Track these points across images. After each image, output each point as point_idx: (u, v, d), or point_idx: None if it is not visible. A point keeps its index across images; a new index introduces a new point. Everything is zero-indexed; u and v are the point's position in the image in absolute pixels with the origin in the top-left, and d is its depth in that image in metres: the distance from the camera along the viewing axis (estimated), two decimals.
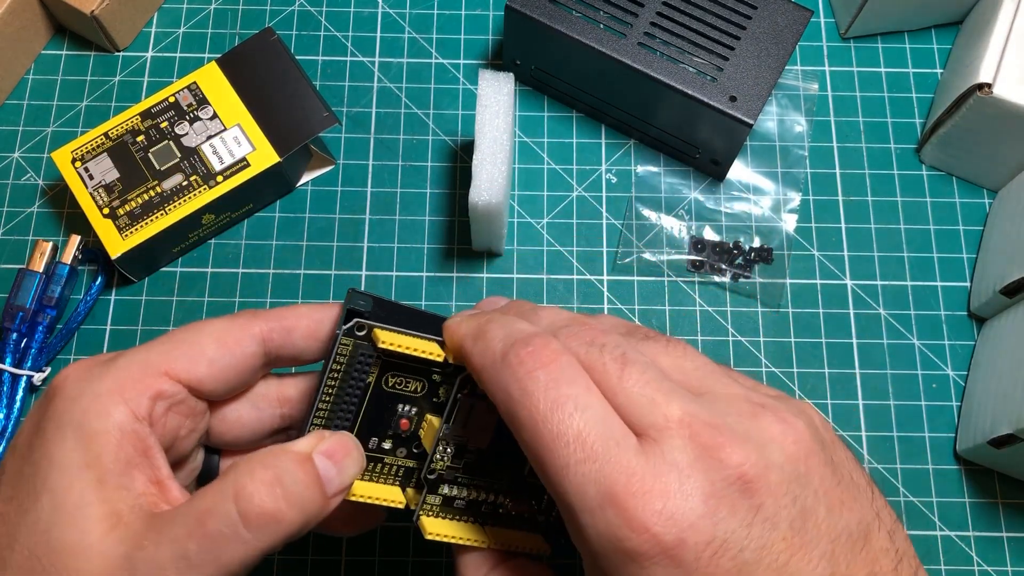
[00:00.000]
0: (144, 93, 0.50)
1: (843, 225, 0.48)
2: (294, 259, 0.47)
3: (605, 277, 0.47)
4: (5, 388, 0.43)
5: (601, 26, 0.45)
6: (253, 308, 0.30)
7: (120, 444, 0.26)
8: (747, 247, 0.47)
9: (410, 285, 0.46)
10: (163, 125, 0.45)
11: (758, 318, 0.46)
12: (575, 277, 0.46)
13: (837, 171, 0.49)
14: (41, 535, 0.25)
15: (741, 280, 0.46)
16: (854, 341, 0.45)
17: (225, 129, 0.45)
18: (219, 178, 0.45)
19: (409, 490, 0.31)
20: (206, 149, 0.45)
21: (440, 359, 0.29)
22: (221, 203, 0.45)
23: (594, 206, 0.48)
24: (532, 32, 0.45)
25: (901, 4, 0.49)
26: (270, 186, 0.46)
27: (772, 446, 0.25)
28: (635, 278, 0.47)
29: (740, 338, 0.46)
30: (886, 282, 0.47)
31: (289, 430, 0.32)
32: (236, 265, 0.47)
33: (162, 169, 0.45)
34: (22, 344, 0.44)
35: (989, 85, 0.43)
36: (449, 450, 0.30)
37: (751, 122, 0.43)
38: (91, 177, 0.44)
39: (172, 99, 0.46)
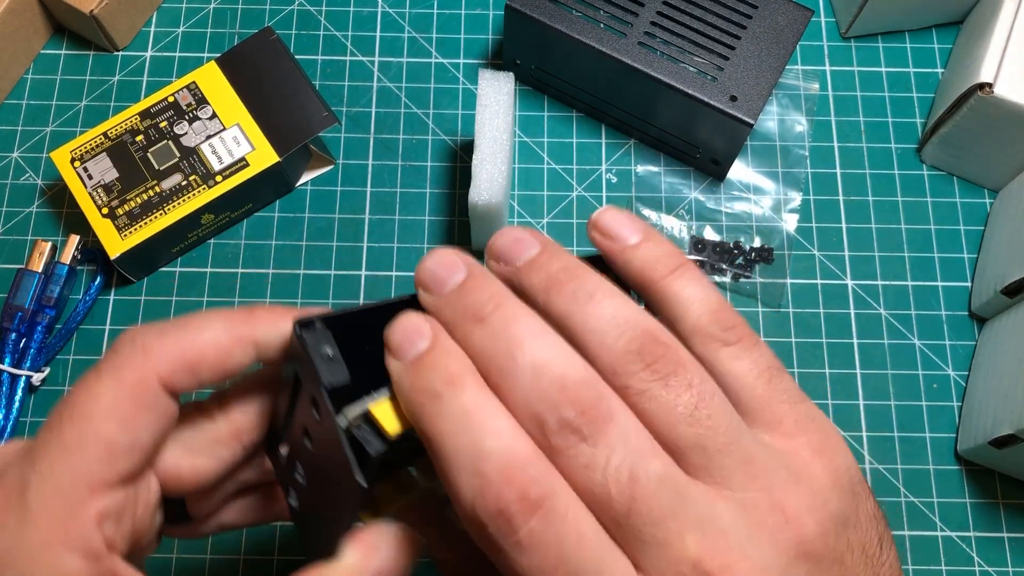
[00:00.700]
0: (143, 93, 0.50)
1: (844, 225, 0.48)
2: (294, 259, 0.47)
3: None
4: (4, 388, 0.43)
5: (601, 25, 0.45)
6: (140, 332, 0.24)
7: None
8: (747, 247, 0.47)
9: (410, 285, 0.46)
10: (162, 125, 0.45)
11: (759, 318, 0.46)
12: None
13: (838, 171, 0.49)
14: None
15: (742, 280, 0.46)
16: (855, 341, 0.45)
17: (224, 129, 0.45)
18: (218, 178, 0.44)
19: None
20: (205, 149, 0.45)
21: None
22: (220, 203, 0.45)
23: (594, 206, 0.48)
24: (532, 31, 0.45)
25: (902, 3, 0.49)
26: (269, 186, 0.46)
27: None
28: None
29: None
30: (887, 282, 0.47)
31: (254, 458, 0.28)
32: (235, 265, 0.47)
33: (161, 169, 0.45)
34: (21, 344, 0.44)
35: (990, 85, 0.43)
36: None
37: (752, 122, 0.43)
38: (90, 177, 0.44)
39: (171, 99, 0.46)
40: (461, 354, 0.22)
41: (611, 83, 0.46)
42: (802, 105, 0.49)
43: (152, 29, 0.51)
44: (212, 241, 0.47)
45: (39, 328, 0.44)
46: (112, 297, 0.46)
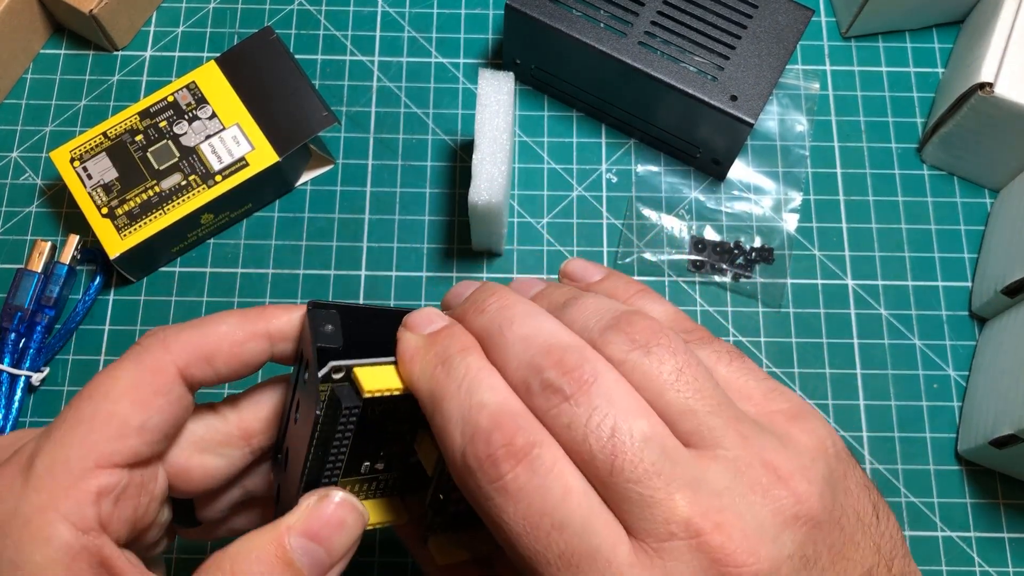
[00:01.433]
0: (143, 92, 0.50)
1: (844, 225, 0.48)
2: (293, 259, 0.47)
3: None
4: (3, 388, 0.43)
5: (601, 25, 0.45)
6: (163, 329, 0.26)
7: (71, 572, 0.22)
8: (748, 247, 0.47)
9: (410, 285, 0.46)
10: (162, 124, 0.45)
11: (759, 318, 0.46)
12: None
13: (838, 171, 0.48)
14: None
15: (742, 280, 0.46)
16: (855, 341, 0.45)
17: (224, 128, 0.45)
18: (218, 178, 0.44)
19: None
20: (205, 148, 0.45)
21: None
22: (220, 203, 0.45)
23: (594, 206, 0.48)
24: (532, 31, 0.45)
25: (902, 3, 0.49)
26: (269, 186, 0.46)
27: (784, 534, 0.21)
28: (636, 278, 0.46)
29: (741, 338, 0.45)
30: (887, 282, 0.47)
31: (262, 462, 0.29)
32: (235, 265, 0.46)
33: (161, 169, 0.45)
34: (20, 344, 0.44)
35: (991, 84, 0.43)
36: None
37: (752, 121, 0.43)
38: (90, 177, 0.44)
39: (171, 98, 0.46)
40: (469, 335, 0.24)
41: (611, 83, 0.46)
42: (802, 105, 0.49)
43: (152, 29, 0.51)
44: (212, 241, 0.47)
45: (38, 328, 0.44)
46: (112, 297, 0.46)
